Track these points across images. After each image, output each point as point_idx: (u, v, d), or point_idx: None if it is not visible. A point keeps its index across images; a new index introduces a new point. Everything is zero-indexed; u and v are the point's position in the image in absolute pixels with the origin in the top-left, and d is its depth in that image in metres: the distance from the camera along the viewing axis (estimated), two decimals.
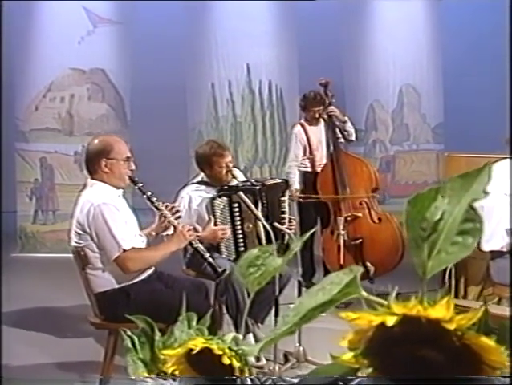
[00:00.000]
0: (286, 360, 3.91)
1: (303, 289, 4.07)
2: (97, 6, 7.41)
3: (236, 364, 0.80)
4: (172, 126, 7.93)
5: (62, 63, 7.32)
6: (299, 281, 4.16)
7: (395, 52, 7.84)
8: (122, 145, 3.52)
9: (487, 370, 0.60)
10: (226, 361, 0.80)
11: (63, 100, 7.44)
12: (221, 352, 0.80)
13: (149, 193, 3.52)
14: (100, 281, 3.41)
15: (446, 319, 0.59)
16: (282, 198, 4.28)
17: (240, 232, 4.10)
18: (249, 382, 0.81)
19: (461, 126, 7.75)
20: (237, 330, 3.54)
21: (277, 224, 3.93)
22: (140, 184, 3.51)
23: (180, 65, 7.65)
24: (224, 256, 4.09)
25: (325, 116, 5.52)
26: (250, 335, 3.86)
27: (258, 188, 4.09)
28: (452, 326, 0.59)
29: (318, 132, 5.63)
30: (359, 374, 0.68)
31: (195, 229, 3.76)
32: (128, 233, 3.37)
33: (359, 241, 5.18)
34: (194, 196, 4.21)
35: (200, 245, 3.64)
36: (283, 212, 4.26)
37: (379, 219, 5.27)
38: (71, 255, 3.51)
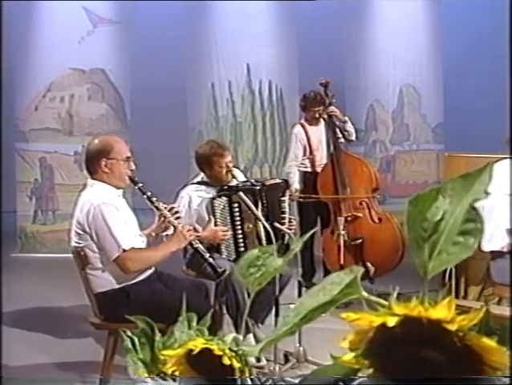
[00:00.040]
0: (287, 360, 3.90)
1: (303, 289, 4.07)
2: (97, 6, 7.41)
3: (236, 365, 0.80)
4: (172, 126, 7.93)
5: (62, 63, 7.32)
6: (299, 282, 4.17)
7: (395, 52, 7.84)
8: (122, 145, 3.52)
9: (488, 370, 0.60)
10: (226, 361, 0.80)
11: (63, 100, 7.44)
12: (221, 353, 0.80)
13: (149, 193, 3.51)
14: (100, 282, 3.41)
15: (447, 320, 0.59)
16: (282, 198, 4.28)
17: (240, 232, 4.09)
18: (249, 382, 0.81)
19: (461, 126, 7.74)
20: (237, 330, 3.54)
21: (277, 225, 3.93)
22: (140, 184, 3.51)
23: (180, 65, 7.65)
24: (224, 256, 4.09)
25: (325, 116, 5.52)
26: (251, 336, 3.86)
27: (258, 188, 4.09)
28: (453, 327, 0.59)
29: (319, 132, 5.63)
30: (360, 374, 0.68)
31: (195, 229, 3.76)
32: (127, 233, 3.37)
33: (360, 241, 5.18)
34: (194, 196, 4.21)
35: (200, 246, 3.63)
36: (283, 213, 4.26)
37: (380, 219, 5.26)
38: (70, 255, 3.51)
